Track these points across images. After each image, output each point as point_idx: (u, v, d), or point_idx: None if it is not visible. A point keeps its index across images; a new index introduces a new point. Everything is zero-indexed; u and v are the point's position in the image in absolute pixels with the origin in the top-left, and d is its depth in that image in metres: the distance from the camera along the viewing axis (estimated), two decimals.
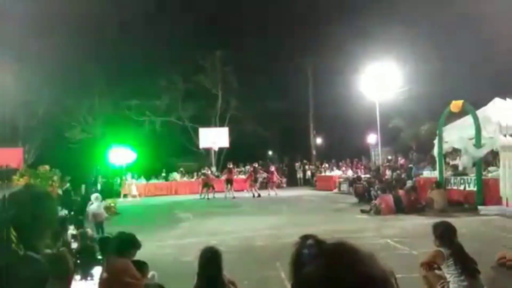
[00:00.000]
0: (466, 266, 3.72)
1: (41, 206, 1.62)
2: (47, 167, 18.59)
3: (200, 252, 3.43)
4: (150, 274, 4.08)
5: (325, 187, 21.72)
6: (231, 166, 20.87)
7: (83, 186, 18.41)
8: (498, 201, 10.50)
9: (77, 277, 1.50)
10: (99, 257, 1.42)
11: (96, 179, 21.92)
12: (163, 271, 4.82)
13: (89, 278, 1.47)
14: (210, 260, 3.36)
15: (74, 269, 1.52)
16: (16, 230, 1.51)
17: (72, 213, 11.05)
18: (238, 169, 25.19)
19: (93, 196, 9.88)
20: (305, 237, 1.21)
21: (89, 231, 4.39)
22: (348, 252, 0.88)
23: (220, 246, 4.50)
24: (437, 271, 3.88)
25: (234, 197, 18.61)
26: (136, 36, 25.53)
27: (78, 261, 1.37)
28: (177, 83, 27.84)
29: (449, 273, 3.77)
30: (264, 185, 21.38)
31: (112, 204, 14.19)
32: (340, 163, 24.56)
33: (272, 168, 21.28)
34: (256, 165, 20.70)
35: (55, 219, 1.73)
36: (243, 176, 23.83)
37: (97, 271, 1.58)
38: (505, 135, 10.85)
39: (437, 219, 5.05)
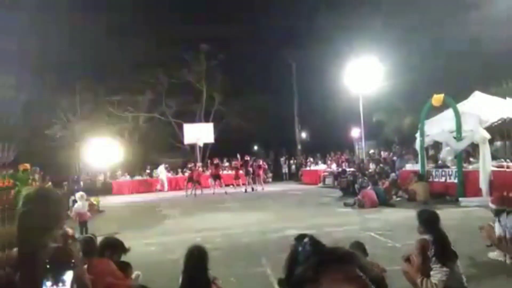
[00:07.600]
0: (447, 253, 3.79)
1: (48, 205, 1.83)
2: (27, 165, 18.16)
3: (185, 251, 3.42)
4: (134, 275, 4.03)
5: (310, 181, 21.88)
6: (217, 161, 20.71)
7: (65, 184, 18.10)
8: (477, 192, 10.76)
9: (48, 283, 1.45)
10: (73, 261, 1.38)
11: (79, 177, 21.58)
12: (148, 270, 4.78)
13: (60, 284, 1.43)
14: (196, 259, 3.35)
15: (45, 274, 1.53)
16: (21, 228, 1.76)
17: None
18: (224, 165, 24.99)
19: (78, 194, 9.69)
20: (301, 236, 1.20)
21: (70, 230, 4.27)
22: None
23: (206, 243, 4.49)
24: (419, 260, 3.89)
25: (226, 193, 18.22)
26: (119, 30, 25.07)
27: (48, 266, 1.34)
28: (161, 78, 27.48)
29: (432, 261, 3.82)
30: (252, 180, 21.26)
31: (95, 202, 13.98)
32: (326, 157, 24.71)
33: (260, 162, 21.11)
34: (248, 158, 20.33)
35: (61, 218, 1.99)
36: (229, 172, 23.64)
37: (69, 276, 1.55)
38: (484, 128, 11.09)
39: None
